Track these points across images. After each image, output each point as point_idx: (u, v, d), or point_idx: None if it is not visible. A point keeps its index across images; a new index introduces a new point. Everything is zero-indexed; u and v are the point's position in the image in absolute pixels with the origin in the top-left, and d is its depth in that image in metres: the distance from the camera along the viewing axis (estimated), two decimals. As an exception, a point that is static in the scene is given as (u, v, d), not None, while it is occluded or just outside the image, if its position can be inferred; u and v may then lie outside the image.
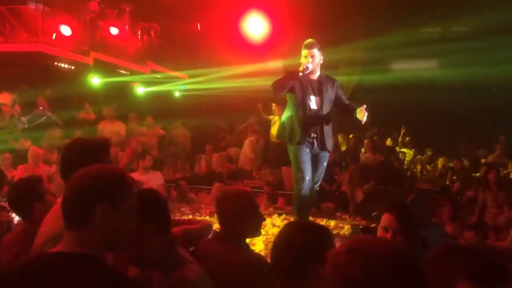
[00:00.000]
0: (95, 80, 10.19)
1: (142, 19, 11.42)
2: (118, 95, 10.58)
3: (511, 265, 3.93)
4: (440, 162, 8.40)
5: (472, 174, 7.96)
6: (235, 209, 2.25)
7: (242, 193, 2.36)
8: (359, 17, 10.50)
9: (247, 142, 9.42)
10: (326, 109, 4.29)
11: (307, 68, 4.13)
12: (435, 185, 7.93)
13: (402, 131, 9.63)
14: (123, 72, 11.04)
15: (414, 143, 9.43)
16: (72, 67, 9.69)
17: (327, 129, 4.31)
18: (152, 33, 11.79)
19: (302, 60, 4.21)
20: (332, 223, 5.18)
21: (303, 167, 4.25)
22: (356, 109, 4.24)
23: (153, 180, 6.00)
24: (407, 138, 9.58)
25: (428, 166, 8.85)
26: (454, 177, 7.81)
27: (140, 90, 12.12)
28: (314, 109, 4.25)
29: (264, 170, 8.96)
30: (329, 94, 4.29)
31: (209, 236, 2.45)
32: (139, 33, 11.49)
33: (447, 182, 7.96)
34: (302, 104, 4.22)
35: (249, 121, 10.69)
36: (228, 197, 2.33)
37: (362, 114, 4.15)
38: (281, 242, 1.81)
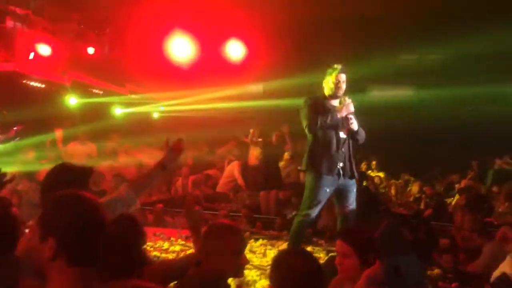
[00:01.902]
0: (72, 101, 10.09)
1: (121, 41, 11.40)
2: (95, 116, 10.48)
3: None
4: (415, 187, 8.53)
5: (445, 200, 8.13)
6: (220, 241, 2.17)
7: (231, 229, 2.28)
8: (335, 42, 10.74)
9: (234, 166, 9.30)
10: (349, 136, 4.26)
11: (350, 121, 4.14)
12: (409, 210, 8.03)
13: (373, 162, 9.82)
14: (101, 93, 10.98)
15: (390, 167, 9.58)
16: (49, 88, 9.59)
17: (353, 156, 4.28)
18: (131, 55, 11.76)
19: (331, 85, 4.16)
20: (308, 248, 5.19)
21: (320, 199, 4.14)
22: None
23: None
24: (374, 162, 9.76)
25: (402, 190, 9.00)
26: (428, 202, 7.94)
27: (118, 111, 12.04)
28: (343, 138, 4.21)
29: (241, 193, 8.93)
30: (352, 120, 4.23)
31: (189, 272, 2.40)
32: (118, 54, 11.46)
33: (422, 207, 8.08)
34: (333, 134, 4.16)
35: (228, 144, 10.69)
36: (215, 231, 2.26)
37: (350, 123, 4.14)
38: (283, 272, 1.84)
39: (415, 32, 8.82)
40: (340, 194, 4.24)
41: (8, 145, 7.83)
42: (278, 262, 2.01)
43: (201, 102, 11.61)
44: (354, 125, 4.15)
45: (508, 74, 9.49)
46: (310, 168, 4.22)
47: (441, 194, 8.31)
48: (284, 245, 5.34)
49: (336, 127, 4.15)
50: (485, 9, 7.98)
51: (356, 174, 4.29)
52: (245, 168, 9.38)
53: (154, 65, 12.21)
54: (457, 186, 8.80)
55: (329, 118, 4.09)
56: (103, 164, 8.75)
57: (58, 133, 9.34)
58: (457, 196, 8.13)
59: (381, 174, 9.01)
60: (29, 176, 7.22)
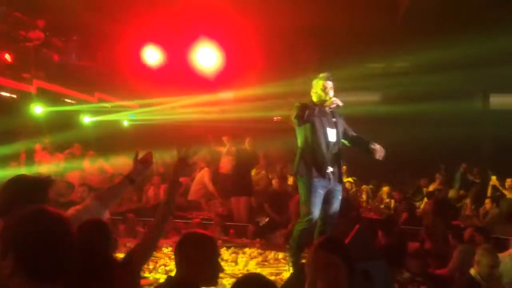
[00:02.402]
0: (38, 109, 9.84)
1: (89, 48, 11.22)
2: (63, 125, 10.26)
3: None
4: (384, 191, 8.67)
5: (415, 202, 8.29)
6: (194, 251, 2.16)
7: (205, 238, 2.28)
8: (311, 50, 10.88)
9: (204, 173, 9.23)
10: (340, 142, 4.32)
11: (337, 105, 4.17)
12: (380, 215, 8.16)
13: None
14: (69, 101, 10.76)
15: (359, 173, 9.71)
16: (14, 96, 9.33)
17: (341, 162, 4.33)
18: (100, 62, 11.60)
19: (319, 91, 4.23)
20: (280, 255, 5.19)
21: (315, 203, 4.14)
22: (369, 145, 4.31)
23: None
24: (343, 167, 9.90)
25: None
26: (398, 207, 8.08)
27: (87, 119, 11.81)
28: (332, 142, 4.23)
29: (214, 201, 8.89)
30: (341, 127, 4.34)
31: (163, 281, 2.36)
32: (86, 61, 11.27)
33: (391, 211, 8.22)
34: (322, 138, 4.19)
35: (200, 152, 10.60)
36: (189, 240, 2.25)
37: (379, 154, 4.27)
38: None
39: (382, 42, 9.03)
40: (326, 198, 4.23)
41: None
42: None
43: (173, 110, 11.54)
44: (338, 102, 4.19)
45: (473, 82, 9.84)
46: (301, 173, 4.24)
47: (410, 198, 8.47)
48: (255, 252, 5.32)
49: (324, 131, 4.19)
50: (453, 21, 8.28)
51: (342, 179, 4.37)
52: (216, 176, 9.35)
53: (124, 72, 12.10)
54: (425, 190, 8.99)
55: (317, 110, 4.15)
56: (71, 174, 8.55)
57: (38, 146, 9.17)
58: (425, 200, 8.32)
59: (351, 179, 9.12)
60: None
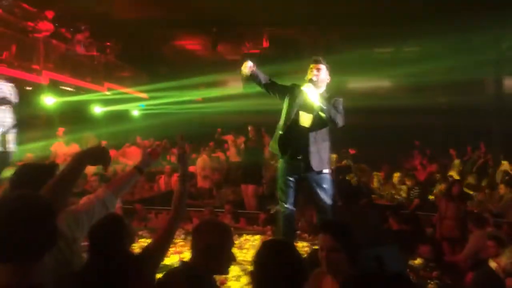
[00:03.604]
0: (49, 100, 9.89)
1: (98, 37, 11.25)
2: (75, 115, 10.32)
3: (468, 277, 4.08)
4: (395, 177, 8.61)
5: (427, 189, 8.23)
6: (210, 239, 2.16)
7: (221, 227, 2.29)
8: (317, 32, 10.80)
9: (205, 159, 9.29)
10: (317, 128, 3.96)
11: (311, 80, 3.88)
12: (392, 201, 8.12)
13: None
14: (79, 91, 10.81)
15: (371, 158, 9.66)
16: (26, 87, 9.39)
17: (316, 148, 3.94)
18: (109, 52, 11.63)
19: (308, 75, 3.97)
20: (292, 242, 5.20)
21: (283, 188, 4.03)
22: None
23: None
24: (351, 153, 9.87)
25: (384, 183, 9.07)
26: (411, 193, 8.03)
27: (98, 109, 11.87)
28: (302, 126, 3.96)
29: (225, 189, 8.91)
30: (324, 111, 3.89)
31: (177, 265, 2.38)
32: (95, 51, 11.30)
33: (403, 197, 8.17)
34: (290, 119, 3.97)
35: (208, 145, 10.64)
36: (206, 228, 2.25)
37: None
38: (267, 263, 1.84)
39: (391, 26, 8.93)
40: (307, 187, 4.07)
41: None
42: (260, 254, 2.01)
43: (184, 100, 11.58)
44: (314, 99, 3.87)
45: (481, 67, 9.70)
46: (273, 149, 4.17)
47: (423, 184, 8.40)
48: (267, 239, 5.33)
49: (296, 114, 3.96)
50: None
51: (323, 168, 3.99)
52: (226, 165, 9.40)
53: (134, 61, 12.14)
54: (437, 176, 8.90)
55: (298, 92, 3.99)
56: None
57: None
58: (438, 186, 8.25)
59: (363, 166, 9.06)
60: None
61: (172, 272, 2.26)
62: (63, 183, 2.04)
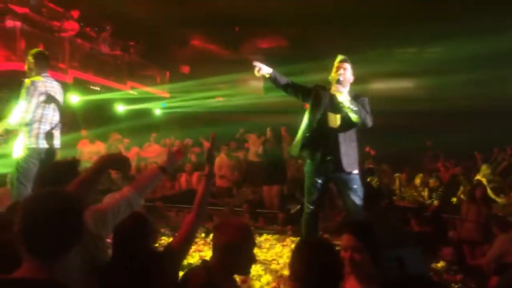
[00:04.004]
0: (74, 99, 10.09)
1: (122, 37, 11.42)
2: (98, 113, 10.49)
3: (492, 281, 4.01)
4: (418, 179, 8.51)
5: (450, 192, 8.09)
6: (232, 238, 2.18)
7: (243, 227, 2.32)
8: (335, 34, 10.73)
9: (222, 158, 9.36)
10: (346, 128, 3.94)
11: (338, 80, 3.85)
12: (413, 203, 8.03)
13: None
14: (102, 90, 10.99)
15: (392, 160, 9.56)
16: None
17: (346, 149, 3.91)
18: (132, 51, 11.80)
19: (333, 74, 3.95)
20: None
21: (310, 189, 4.01)
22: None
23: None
24: (372, 154, 9.77)
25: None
26: (433, 195, 7.92)
27: (121, 108, 12.05)
28: (329, 127, 3.93)
29: (245, 189, 8.94)
30: (352, 111, 3.86)
31: (198, 263, 2.42)
32: (119, 51, 11.48)
33: (425, 199, 8.07)
34: (317, 121, 3.94)
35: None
36: (227, 226, 2.28)
37: (339, 96, 3.86)
38: (303, 262, 1.85)
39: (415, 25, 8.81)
40: (338, 188, 4.09)
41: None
42: (299, 250, 2.03)
43: (205, 99, 11.66)
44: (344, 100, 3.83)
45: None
46: (293, 152, 4.14)
47: (446, 186, 8.27)
48: (288, 240, 5.33)
49: (324, 115, 3.93)
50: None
51: (353, 168, 3.96)
52: (245, 164, 9.42)
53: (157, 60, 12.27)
54: (461, 178, 8.75)
55: (325, 93, 3.95)
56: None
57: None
58: (461, 189, 8.11)
59: (385, 167, 8.97)
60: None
61: (193, 270, 2.29)
62: (87, 182, 2.11)
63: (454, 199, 7.95)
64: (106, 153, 2.23)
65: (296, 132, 4.18)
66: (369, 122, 3.89)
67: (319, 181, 4.01)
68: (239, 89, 11.64)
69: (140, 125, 11.28)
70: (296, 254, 2.01)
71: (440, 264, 4.40)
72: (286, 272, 3.94)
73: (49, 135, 4.42)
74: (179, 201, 7.77)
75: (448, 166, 9.70)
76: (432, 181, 8.06)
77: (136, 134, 10.83)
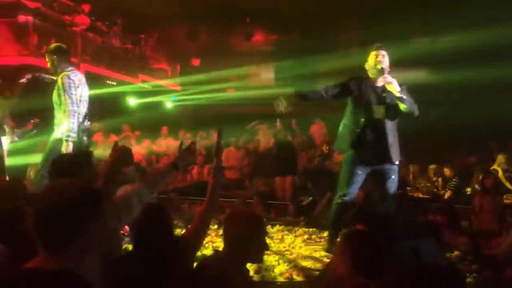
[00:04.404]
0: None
1: (133, 30, 11.44)
2: (110, 107, 10.54)
3: (508, 272, 3.96)
4: (431, 170, 8.43)
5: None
6: (243, 228, 2.20)
7: (254, 217, 2.34)
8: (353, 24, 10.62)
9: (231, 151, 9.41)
10: (390, 118, 3.96)
11: (382, 69, 3.82)
12: (427, 194, 7.95)
13: None
14: (114, 83, 11.03)
15: (405, 151, 9.44)
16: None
17: (391, 140, 3.94)
18: (143, 44, 11.83)
19: (371, 63, 3.92)
20: (325, 233, 5.18)
21: (349, 181, 4.00)
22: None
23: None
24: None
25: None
26: (447, 185, 7.83)
27: (132, 101, 12.11)
28: (376, 119, 3.92)
29: (256, 180, 8.94)
30: (394, 102, 3.89)
31: (211, 254, 2.44)
32: (130, 44, 11.51)
33: (439, 190, 7.99)
34: (364, 114, 3.92)
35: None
36: (239, 218, 2.30)
37: (387, 85, 3.81)
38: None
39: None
40: (377, 178, 4.07)
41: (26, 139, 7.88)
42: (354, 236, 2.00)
43: (214, 91, 11.65)
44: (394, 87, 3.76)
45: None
46: (341, 149, 4.16)
47: (460, 176, 8.16)
48: (300, 231, 5.33)
49: (368, 107, 3.89)
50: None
51: (393, 158, 3.95)
52: (256, 156, 9.42)
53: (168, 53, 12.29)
54: (477, 167, 8.62)
55: (364, 84, 3.92)
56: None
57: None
58: (476, 179, 8.01)
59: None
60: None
61: (205, 261, 2.31)
62: (109, 177, 2.13)
63: (469, 189, 7.85)
64: (116, 146, 2.21)
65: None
66: (417, 111, 3.90)
67: (360, 172, 4.00)
68: (250, 81, 11.59)
69: (152, 118, 11.34)
70: (346, 245, 1.99)
71: (455, 254, 4.36)
72: (300, 262, 3.95)
73: (83, 128, 4.42)
74: (191, 193, 7.81)
75: (464, 156, 9.59)
76: (447, 170, 7.98)
77: (147, 127, 10.88)
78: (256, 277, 3.49)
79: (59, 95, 4.31)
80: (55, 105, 4.41)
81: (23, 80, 7.72)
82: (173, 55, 13.03)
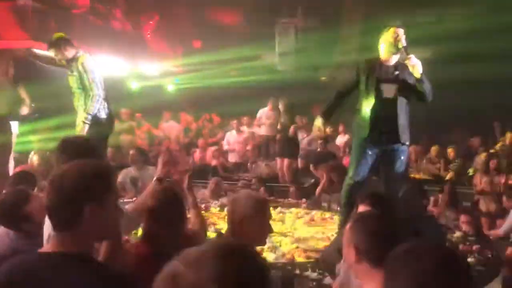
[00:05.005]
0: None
1: (133, 13, 11.33)
2: (112, 91, 10.51)
3: (509, 252, 3.98)
4: (434, 151, 8.42)
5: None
6: (247, 210, 2.20)
7: (257, 198, 2.34)
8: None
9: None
10: (402, 98, 3.89)
11: (404, 47, 3.74)
12: (429, 175, 7.97)
13: None
14: (116, 67, 10.96)
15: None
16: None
17: (403, 120, 3.90)
18: (144, 27, 11.73)
19: (389, 39, 3.82)
20: (327, 214, 5.21)
21: (361, 163, 3.97)
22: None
23: (145, 175, 5.98)
24: None
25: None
26: (450, 166, 7.84)
27: (134, 84, 12.07)
28: (387, 98, 3.87)
29: (259, 163, 8.97)
30: (407, 82, 3.85)
31: (214, 238, 2.46)
32: (130, 27, 11.41)
33: (440, 171, 8.00)
34: (374, 95, 3.86)
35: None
36: (241, 198, 2.30)
37: (411, 65, 3.74)
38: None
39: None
40: (384, 159, 4.03)
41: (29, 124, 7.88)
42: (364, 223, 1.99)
43: (216, 75, 11.59)
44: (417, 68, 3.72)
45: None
46: (353, 133, 4.18)
47: (463, 158, 8.16)
48: (301, 212, 5.36)
49: (378, 87, 3.86)
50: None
51: (403, 139, 3.93)
52: (259, 139, 9.43)
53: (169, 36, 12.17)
54: (480, 149, 8.61)
55: (377, 66, 3.90)
56: (123, 138, 8.84)
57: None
58: (478, 160, 8.01)
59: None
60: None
61: (209, 244, 2.32)
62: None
63: (471, 171, 7.86)
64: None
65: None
66: (431, 96, 3.90)
67: (370, 152, 3.98)
68: (253, 63, 11.46)
69: (153, 102, 11.30)
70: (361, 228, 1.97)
71: (457, 235, 4.38)
72: (302, 245, 3.97)
73: (108, 108, 4.60)
74: (192, 177, 7.81)
75: (467, 138, 9.56)
76: (450, 151, 7.97)
77: (149, 110, 10.88)
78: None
79: (81, 79, 4.41)
80: (75, 90, 4.52)
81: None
82: (174, 37, 12.91)
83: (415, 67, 3.74)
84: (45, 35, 8.80)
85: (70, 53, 4.51)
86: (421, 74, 3.76)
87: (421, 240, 1.15)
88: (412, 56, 3.76)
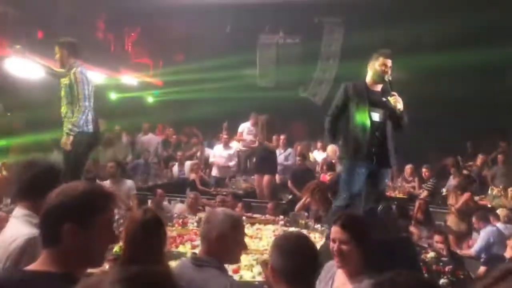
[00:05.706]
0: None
1: (115, 24, 11.31)
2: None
3: (480, 271, 4.08)
4: (408, 169, 8.59)
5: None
6: (223, 228, 2.20)
7: (232, 216, 2.33)
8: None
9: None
10: (389, 122, 4.04)
11: (389, 80, 3.96)
12: (403, 193, 8.11)
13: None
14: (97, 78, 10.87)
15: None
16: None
17: (391, 143, 4.05)
18: (125, 39, 11.72)
19: (377, 68, 3.99)
20: (304, 232, 5.22)
21: (352, 186, 4.03)
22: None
23: (123, 189, 5.91)
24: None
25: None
26: (423, 185, 7.98)
27: (113, 95, 11.98)
28: (377, 121, 4.02)
29: (237, 178, 8.95)
30: (391, 108, 3.99)
31: (188, 257, 2.45)
32: (112, 38, 11.38)
33: (415, 189, 8.14)
34: (364, 119, 3.98)
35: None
36: (216, 216, 2.29)
37: (393, 101, 3.90)
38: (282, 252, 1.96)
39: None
40: (370, 179, 4.10)
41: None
42: (278, 243, 2.06)
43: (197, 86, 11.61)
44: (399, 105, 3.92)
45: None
46: (342, 155, 4.26)
47: (437, 177, 8.32)
48: (279, 229, 5.36)
49: (368, 111, 3.99)
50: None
51: (391, 163, 4.10)
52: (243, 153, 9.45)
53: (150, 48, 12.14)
54: (452, 170, 8.80)
55: (364, 91, 4.04)
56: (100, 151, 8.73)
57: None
58: (452, 180, 8.19)
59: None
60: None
61: (182, 262, 2.32)
62: None
63: (444, 190, 8.03)
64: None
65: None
66: (407, 127, 4.11)
67: (360, 173, 4.05)
68: (233, 75, 11.46)
69: (133, 113, 11.24)
70: (275, 246, 2.05)
71: (430, 255, 4.46)
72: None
73: (94, 121, 4.68)
74: (171, 191, 7.77)
75: (440, 158, 9.76)
76: (425, 170, 8.14)
77: (128, 122, 10.80)
78: (234, 277, 3.51)
79: (71, 89, 4.49)
80: (64, 99, 4.57)
81: None
82: (156, 50, 12.90)
83: (397, 104, 3.91)
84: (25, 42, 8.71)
85: (67, 61, 4.58)
86: (402, 110, 3.94)
87: (397, 273, 1.15)
88: (395, 93, 3.93)
